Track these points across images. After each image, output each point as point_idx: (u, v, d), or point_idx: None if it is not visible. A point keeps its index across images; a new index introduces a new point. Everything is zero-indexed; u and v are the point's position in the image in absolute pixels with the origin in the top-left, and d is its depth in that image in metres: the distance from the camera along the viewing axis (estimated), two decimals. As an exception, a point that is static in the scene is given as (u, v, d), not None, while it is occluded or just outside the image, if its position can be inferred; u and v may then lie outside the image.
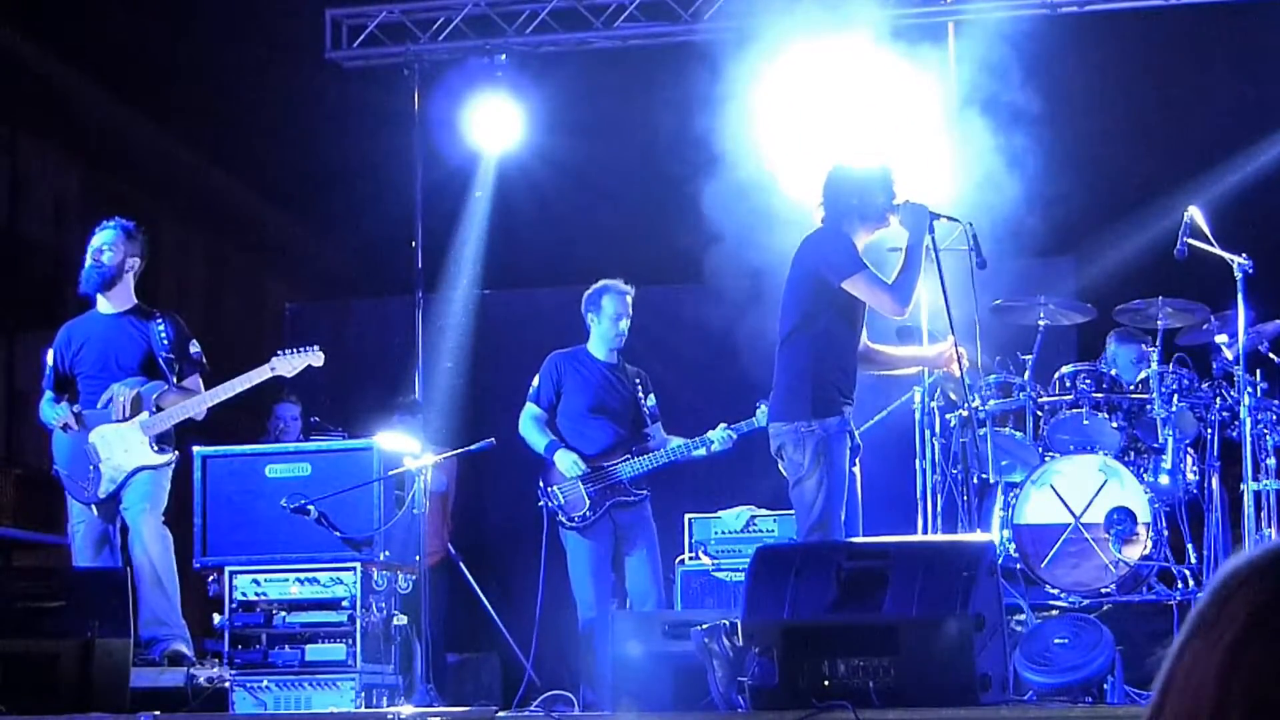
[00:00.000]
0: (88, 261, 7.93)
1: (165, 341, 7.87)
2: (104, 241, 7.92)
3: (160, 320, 7.94)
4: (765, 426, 7.95)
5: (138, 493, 7.70)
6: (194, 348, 7.96)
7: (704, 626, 5.91)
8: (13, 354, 20.06)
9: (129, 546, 7.70)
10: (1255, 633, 1.22)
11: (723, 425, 8.24)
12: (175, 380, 7.85)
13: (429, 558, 8.98)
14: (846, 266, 6.79)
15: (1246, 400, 7.88)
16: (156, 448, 7.72)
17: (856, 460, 6.91)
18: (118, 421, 7.73)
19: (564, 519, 8.13)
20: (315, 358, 7.89)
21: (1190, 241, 8.13)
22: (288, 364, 7.86)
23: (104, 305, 7.93)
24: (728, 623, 5.82)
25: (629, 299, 8.34)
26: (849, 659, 5.54)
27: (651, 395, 8.42)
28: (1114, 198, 9.27)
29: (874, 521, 7.32)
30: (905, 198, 7.01)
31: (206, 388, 7.87)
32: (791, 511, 8.11)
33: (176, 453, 7.71)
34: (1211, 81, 9.13)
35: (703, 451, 8.26)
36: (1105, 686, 6.69)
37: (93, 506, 7.74)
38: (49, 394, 7.94)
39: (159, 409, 7.76)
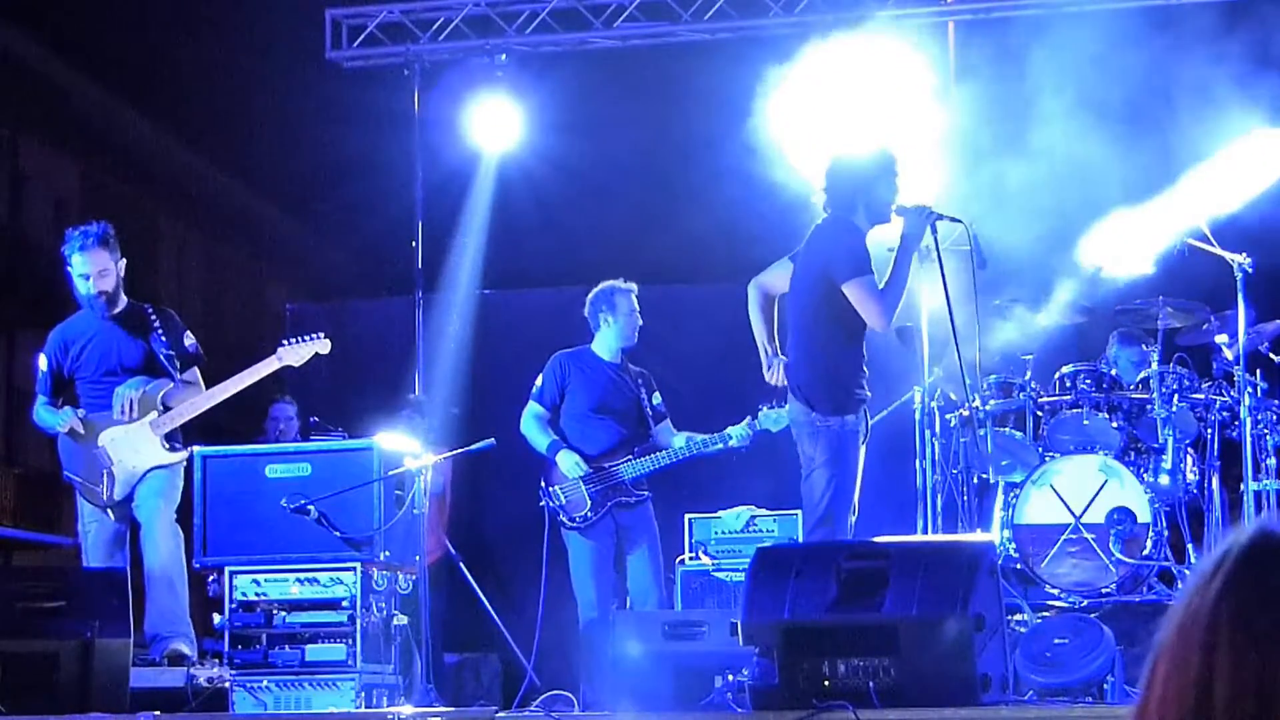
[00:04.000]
0: (87, 289, 7.68)
1: (163, 338, 7.82)
2: (94, 267, 7.67)
3: (154, 316, 7.87)
4: (768, 430, 7.98)
5: (152, 490, 7.66)
6: (189, 340, 7.89)
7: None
8: (13, 354, 20.07)
9: (140, 544, 7.68)
10: (1241, 573, 1.49)
11: (748, 420, 8.15)
12: (178, 375, 7.80)
13: (425, 558, 8.99)
14: (849, 269, 6.79)
15: (1246, 400, 7.88)
16: (168, 446, 7.69)
17: (863, 454, 6.93)
18: (126, 423, 7.68)
19: (565, 519, 8.13)
20: (322, 345, 7.84)
21: (1190, 241, 8.14)
22: (295, 354, 7.81)
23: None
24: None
25: (634, 297, 8.37)
26: (849, 659, 5.54)
27: (656, 394, 8.42)
28: (1115, 196, 9.26)
29: (874, 521, 7.33)
30: (907, 199, 7.00)
31: (204, 379, 7.83)
32: (792, 511, 8.15)
33: (188, 449, 7.62)
34: (1213, 79, 9.12)
35: (720, 446, 8.24)
36: (1105, 686, 6.69)
37: (108, 510, 7.71)
38: (43, 398, 7.86)
39: (166, 408, 7.73)
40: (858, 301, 6.75)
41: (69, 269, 7.76)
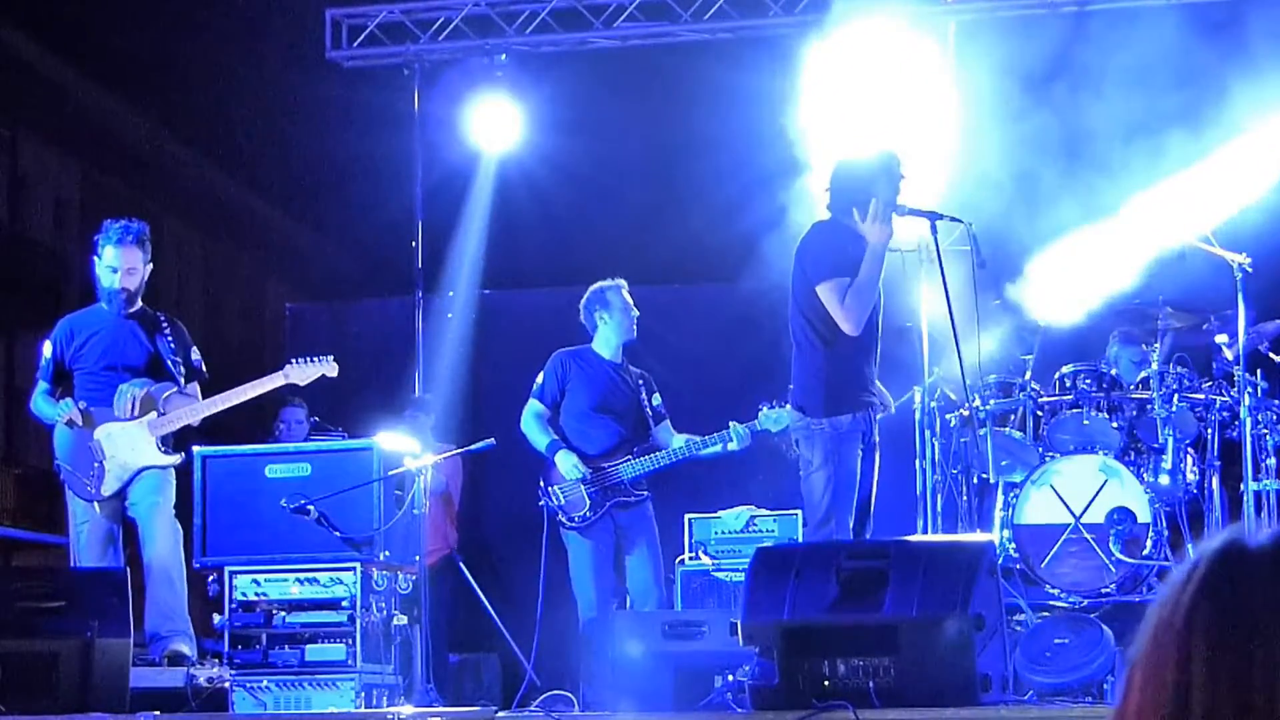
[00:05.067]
0: (111, 282, 7.74)
1: (172, 345, 7.85)
2: (124, 263, 7.73)
3: (166, 324, 7.91)
4: (767, 430, 7.98)
5: (147, 488, 7.68)
6: (195, 355, 7.95)
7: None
8: (13, 354, 20.07)
9: (139, 542, 7.68)
10: (1212, 581, 1.48)
11: (755, 417, 8.13)
12: (182, 384, 7.83)
13: (429, 555, 9.00)
14: (823, 270, 6.81)
15: (1246, 400, 7.88)
16: (163, 448, 7.71)
17: (874, 458, 6.93)
18: (125, 420, 7.70)
19: (564, 519, 8.13)
20: (329, 368, 7.85)
21: (1191, 242, 8.13)
22: (301, 372, 7.82)
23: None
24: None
25: (625, 291, 8.38)
26: (849, 659, 5.54)
27: (656, 395, 8.43)
28: (1113, 196, 9.27)
29: (874, 521, 7.32)
30: (907, 201, 6.98)
31: (204, 397, 7.85)
32: (792, 511, 8.16)
33: (182, 454, 7.65)
34: (1213, 79, 9.13)
35: (718, 448, 8.24)
36: (1105, 686, 6.70)
37: (96, 505, 7.71)
38: (44, 385, 7.88)
39: (165, 412, 7.74)
40: (826, 304, 6.78)
41: (96, 257, 7.82)
